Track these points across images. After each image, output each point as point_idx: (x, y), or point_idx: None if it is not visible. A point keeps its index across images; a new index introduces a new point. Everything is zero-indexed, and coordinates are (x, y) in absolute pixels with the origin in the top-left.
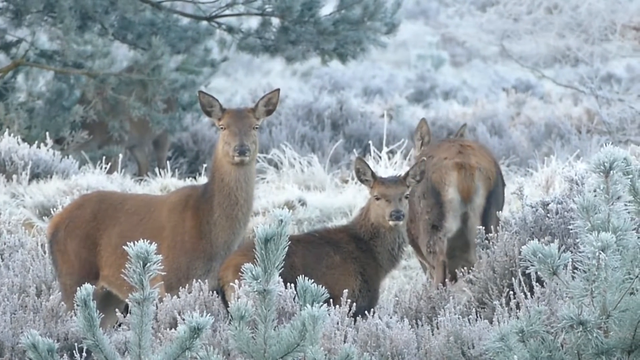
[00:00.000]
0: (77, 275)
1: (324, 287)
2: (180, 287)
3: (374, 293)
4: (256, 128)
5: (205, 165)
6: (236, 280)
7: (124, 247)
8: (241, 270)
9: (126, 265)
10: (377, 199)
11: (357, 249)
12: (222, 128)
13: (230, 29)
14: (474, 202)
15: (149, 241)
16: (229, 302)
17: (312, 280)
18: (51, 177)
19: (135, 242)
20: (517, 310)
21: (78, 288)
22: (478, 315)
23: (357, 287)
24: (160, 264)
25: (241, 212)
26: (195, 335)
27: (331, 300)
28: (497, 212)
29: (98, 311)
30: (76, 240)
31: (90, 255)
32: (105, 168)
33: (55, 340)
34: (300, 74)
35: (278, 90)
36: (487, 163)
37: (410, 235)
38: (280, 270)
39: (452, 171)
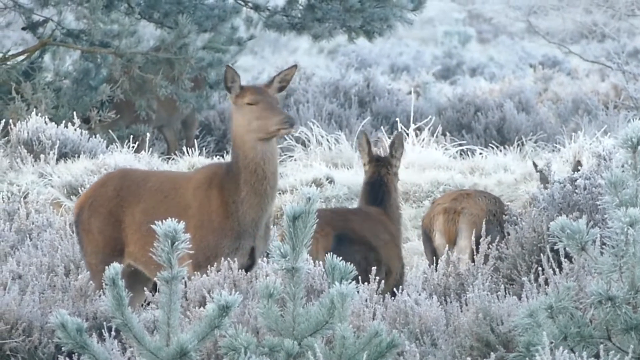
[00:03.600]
0: (102, 254)
1: (384, 258)
2: (209, 266)
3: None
4: None
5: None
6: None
7: (149, 224)
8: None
9: (153, 243)
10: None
11: (397, 231)
12: (249, 104)
13: (256, 7)
14: (458, 246)
15: (174, 219)
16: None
17: (374, 248)
18: (79, 156)
19: (160, 220)
20: (546, 287)
21: (104, 266)
22: (507, 291)
23: (399, 271)
24: (188, 242)
25: (269, 187)
26: (224, 314)
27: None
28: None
29: (127, 290)
30: (100, 217)
31: (114, 232)
32: (133, 147)
33: (84, 320)
34: (327, 51)
35: (295, 66)
36: (477, 209)
37: None
38: (343, 232)
39: (438, 215)
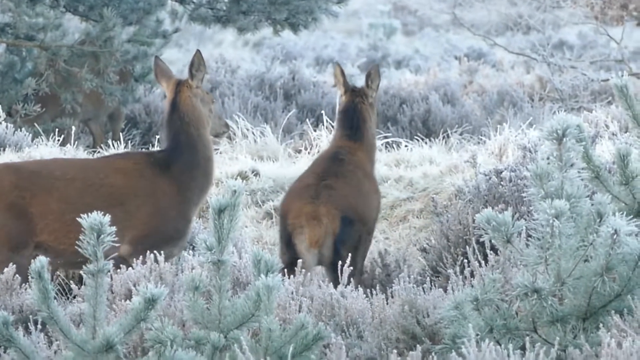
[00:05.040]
0: (6, 249)
1: (371, 223)
2: (135, 259)
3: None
4: None
5: (158, 137)
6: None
7: (74, 213)
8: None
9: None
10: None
11: (371, 165)
12: (213, 101)
13: (181, 0)
14: None
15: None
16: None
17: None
18: (4, 150)
19: (89, 208)
20: (472, 279)
21: (10, 261)
22: (432, 284)
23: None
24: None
25: (213, 176)
26: (150, 307)
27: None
28: None
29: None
30: (0, 213)
31: (18, 225)
32: (59, 140)
33: (10, 313)
34: (252, 44)
35: (198, 50)
36: None
37: None
38: (348, 213)
39: None
